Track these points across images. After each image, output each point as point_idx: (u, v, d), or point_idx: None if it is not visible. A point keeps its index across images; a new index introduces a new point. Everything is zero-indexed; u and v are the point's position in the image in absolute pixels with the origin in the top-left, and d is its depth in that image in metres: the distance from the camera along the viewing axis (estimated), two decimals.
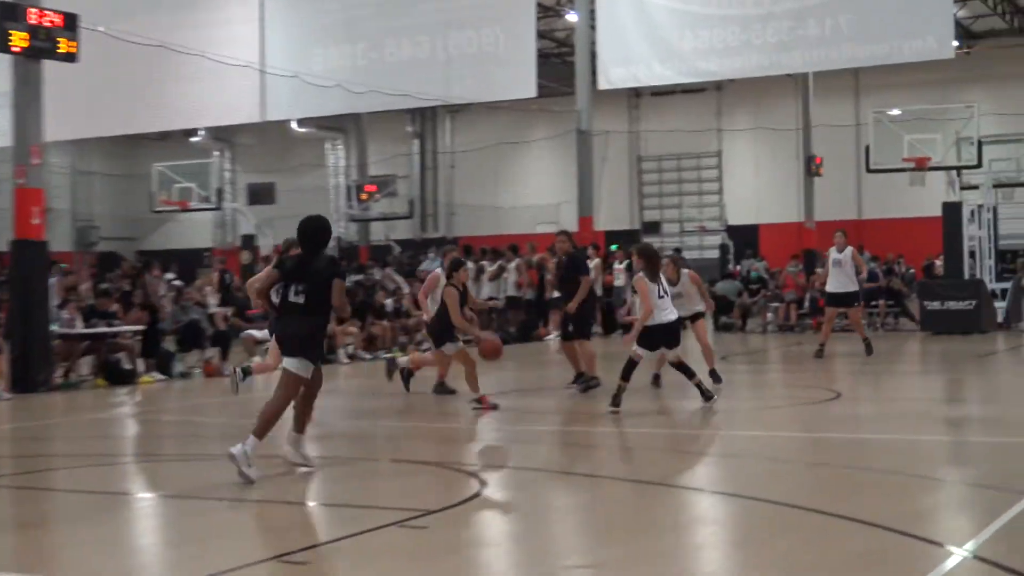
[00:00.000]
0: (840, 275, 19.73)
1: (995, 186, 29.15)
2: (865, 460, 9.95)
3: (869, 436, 11.30)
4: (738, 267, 38.23)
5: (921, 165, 25.08)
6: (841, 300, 19.81)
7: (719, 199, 50.31)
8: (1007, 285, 26.01)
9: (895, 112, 27.57)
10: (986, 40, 45.89)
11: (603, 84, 31.15)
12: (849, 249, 20.10)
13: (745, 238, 46.00)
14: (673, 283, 14.37)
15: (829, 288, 19.92)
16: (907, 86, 45.20)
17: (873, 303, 26.76)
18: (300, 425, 9.45)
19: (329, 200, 44.36)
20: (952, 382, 16.65)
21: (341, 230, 42.70)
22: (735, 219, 46.77)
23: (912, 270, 42.02)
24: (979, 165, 25.62)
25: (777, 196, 48.03)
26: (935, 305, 24.44)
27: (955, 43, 33.53)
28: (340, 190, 44.12)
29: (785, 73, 36.01)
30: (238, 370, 12.28)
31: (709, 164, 51.86)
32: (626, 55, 30.52)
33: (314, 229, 9.25)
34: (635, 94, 51.26)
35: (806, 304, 27.60)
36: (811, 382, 16.14)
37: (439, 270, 15.22)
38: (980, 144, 25.30)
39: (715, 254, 45.61)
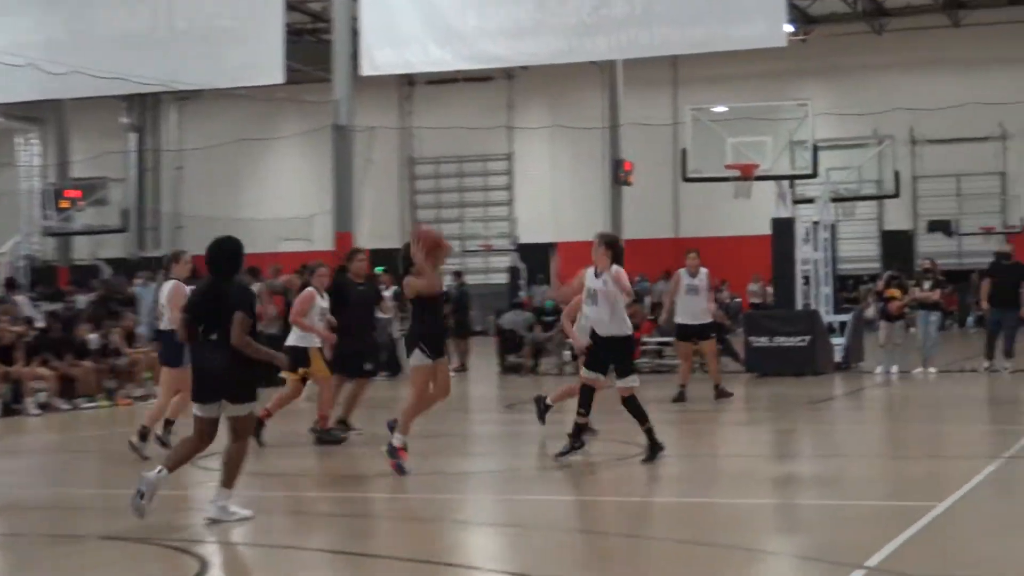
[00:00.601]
0: (694, 303, 20.30)
1: (833, 200, 30.36)
2: (674, 528, 10.19)
3: (680, 499, 11.59)
4: (529, 295, 38.77)
5: (747, 173, 25.93)
6: (695, 332, 20.32)
7: (509, 211, 51.04)
8: (847, 318, 27.14)
9: (719, 109, 28.54)
10: (825, 25, 48.04)
11: (367, 69, 31.16)
12: (704, 272, 20.77)
13: (540, 259, 46.64)
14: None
15: (680, 319, 20.51)
16: (733, 79, 46.93)
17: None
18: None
19: (20, 208, 42.88)
20: (780, 434, 17.26)
21: (35, 246, 41.39)
22: (528, 236, 47.48)
23: (738, 299, 43.50)
24: (814, 175, 26.70)
25: (579, 209, 49.01)
26: (762, 341, 25.28)
27: (789, 28, 35.08)
28: (34, 196, 42.71)
29: (589, 61, 36.96)
30: None
31: (497, 169, 52.59)
32: (396, 35, 30.64)
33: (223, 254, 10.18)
34: (407, 82, 51.64)
35: None
36: (617, 435, 16.45)
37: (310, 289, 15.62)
38: (816, 149, 26.38)
39: (503, 279, 46.11)
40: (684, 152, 27.04)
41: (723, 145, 26.11)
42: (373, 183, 48.36)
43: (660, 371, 27.64)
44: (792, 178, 27.66)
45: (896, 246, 48.27)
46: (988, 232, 45.25)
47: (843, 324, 26.99)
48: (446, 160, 52.39)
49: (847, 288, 47.00)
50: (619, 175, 40.02)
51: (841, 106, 45.64)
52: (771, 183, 27.62)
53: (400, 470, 12.50)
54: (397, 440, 12.65)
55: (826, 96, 45.06)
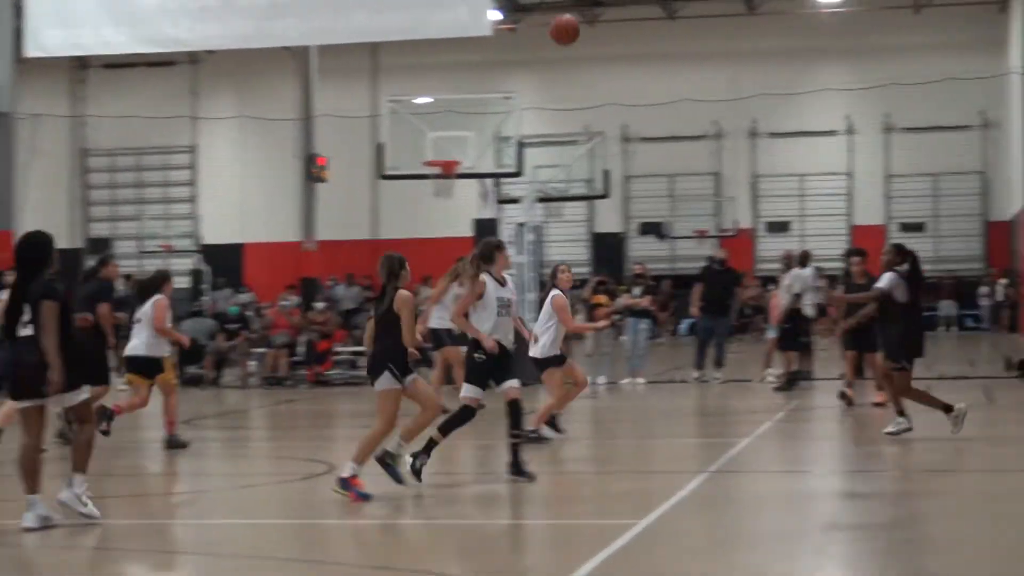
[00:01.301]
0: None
1: (540, 200, 30.88)
2: (358, 552, 10.24)
3: (370, 521, 11.63)
4: (213, 300, 38.30)
5: (448, 171, 26.15)
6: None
7: (192, 209, 50.30)
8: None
9: (420, 101, 28.72)
10: (535, 15, 48.82)
11: (33, 51, 30.30)
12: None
13: (227, 262, 46.20)
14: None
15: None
16: (436, 69, 47.37)
17: None
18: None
19: None
20: (479, 450, 17.46)
21: None
22: (213, 236, 46.91)
23: None
24: (520, 173, 27.11)
25: (269, 207, 48.71)
26: (462, 349, 25.54)
27: (495, 17, 35.57)
28: None
29: (280, 46, 36.67)
30: None
31: (180, 163, 51.77)
32: (67, 13, 29.88)
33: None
34: (80, 66, 50.31)
35: (300, 350, 28.11)
36: (304, 452, 16.41)
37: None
38: (522, 146, 26.80)
39: (185, 283, 45.32)
40: (381, 147, 27.09)
41: (423, 140, 26.25)
42: (40, 177, 46.85)
43: (354, 383, 27.69)
44: (496, 176, 28.00)
45: (607, 249, 49.48)
46: (702, 236, 46.77)
47: None
48: (123, 152, 51.29)
49: None
50: (313, 171, 39.80)
51: (550, 100, 46.58)
52: (475, 182, 27.93)
53: (364, 498, 12.12)
54: (348, 470, 12.27)
55: (534, 89, 45.92)
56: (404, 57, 47.28)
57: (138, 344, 16.61)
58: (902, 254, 16.38)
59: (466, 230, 29.14)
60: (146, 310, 16.75)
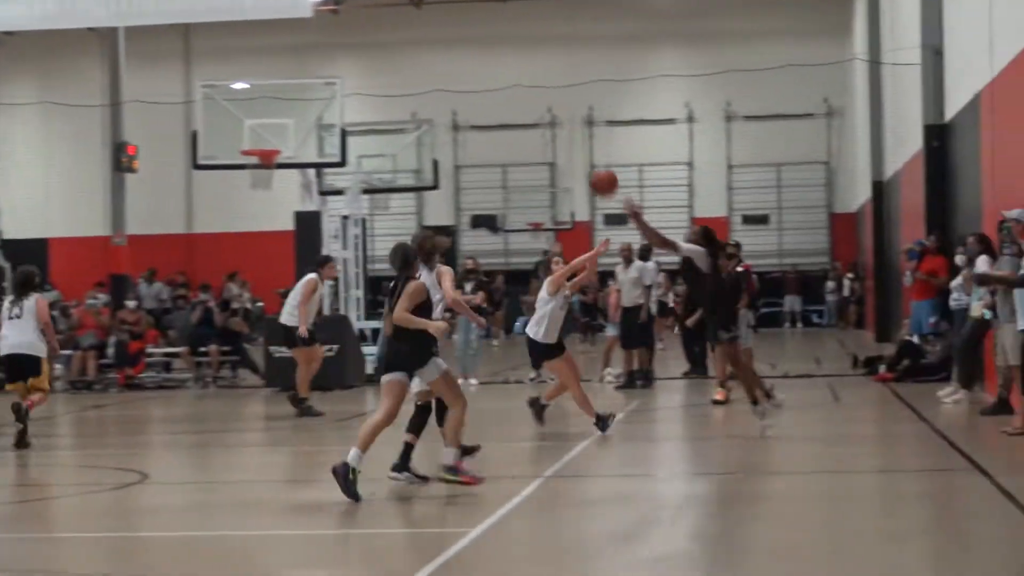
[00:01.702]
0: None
1: (366, 191, 30.79)
2: (174, 564, 10.15)
3: (181, 532, 11.51)
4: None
5: (267, 161, 25.93)
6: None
7: None
8: (380, 323, 27.53)
9: (237, 87, 28.42)
10: None
11: None
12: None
13: (30, 258, 45.29)
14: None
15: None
16: (253, 53, 46.99)
17: (202, 349, 27.37)
18: None
19: None
20: (302, 456, 17.39)
21: None
22: (14, 231, 45.90)
23: (261, 303, 43.52)
24: (344, 163, 27.00)
25: (76, 199, 47.97)
26: (285, 351, 25.37)
27: None
28: None
29: (86, 27, 36.18)
30: None
31: None
32: None
33: None
34: None
35: (110, 351, 27.72)
36: (114, 460, 16.20)
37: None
38: (345, 134, 26.69)
39: None
40: (195, 135, 26.77)
41: (240, 128, 25.98)
42: None
43: (167, 386, 27.41)
44: (319, 166, 27.86)
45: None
46: (537, 229, 47.01)
47: (376, 332, 27.41)
48: None
49: (382, 291, 47.85)
50: (122, 160, 39.28)
51: (375, 86, 46.45)
52: (296, 173, 27.76)
53: (477, 480, 12.84)
54: (450, 457, 12.94)
55: (359, 75, 45.78)
56: (219, 40, 46.87)
57: (25, 345, 17.36)
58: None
59: (287, 224, 28.97)
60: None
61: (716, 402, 20.63)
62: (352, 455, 12.53)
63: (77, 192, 48.12)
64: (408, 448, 13.66)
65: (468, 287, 26.13)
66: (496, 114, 49.18)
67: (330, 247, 27.09)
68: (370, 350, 26.78)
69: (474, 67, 48.81)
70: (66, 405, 24.86)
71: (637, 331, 24.22)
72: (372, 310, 30.27)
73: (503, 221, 48.45)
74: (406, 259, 13.14)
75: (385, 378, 12.97)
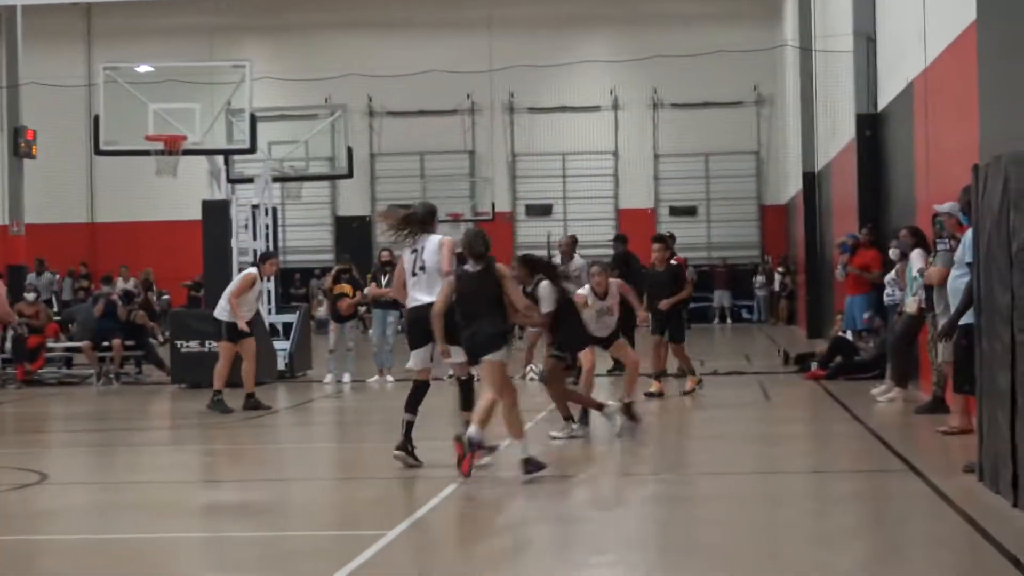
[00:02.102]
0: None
1: (277, 180, 30.68)
2: (80, 570, 10.09)
3: (84, 536, 11.44)
4: None
5: (172, 147, 25.77)
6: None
7: None
8: (293, 318, 27.49)
9: (141, 69, 28.22)
10: None
11: None
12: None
13: None
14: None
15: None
16: (157, 34, 46.60)
17: (105, 344, 27.16)
18: None
19: None
20: (209, 455, 17.32)
21: None
22: None
23: (167, 296, 43.28)
24: (253, 149, 26.86)
25: None
26: (192, 346, 25.28)
27: None
28: None
29: None
30: None
31: None
32: None
33: None
34: None
35: (7, 346, 27.47)
36: (10, 460, 16.08)
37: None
38: (255, 120, 26.55)
39: None
40: (97, 119, 26.57)
41: (144, 112, 25.81)
42: None
43: (68, 382, 27.22)
44: (227, 153, 27.74)
45: (351, 234, 49.42)
46: (456, 219, 46.97)
47: (288, 326, 27.34)
48: None
49: (294, 284, 47.78)
50: (20, 145, 38.92)
51: (287, 70, 46.29)
52: (203, 160, 27.61)
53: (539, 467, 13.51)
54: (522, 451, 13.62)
55: (269, 58, 45.57)
56: (121, 19, 46.53)
57: None
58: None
59: (194, 213, 28.77)
60: None
61: (650, 395, 20.92)
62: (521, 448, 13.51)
63: None
64: (409, 427, 14.44)
65: (384, 280, 26.08)
66: (413, 100, 49.16)
67: (239, 237, 26.96)
68: (281, 345, 26.70)
69: (390, 51, 48.74)
70: None
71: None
72: (284, 304, 30.18)
73: None
74: (487, 245, 13.94)
75: (491, 358, 13.58)
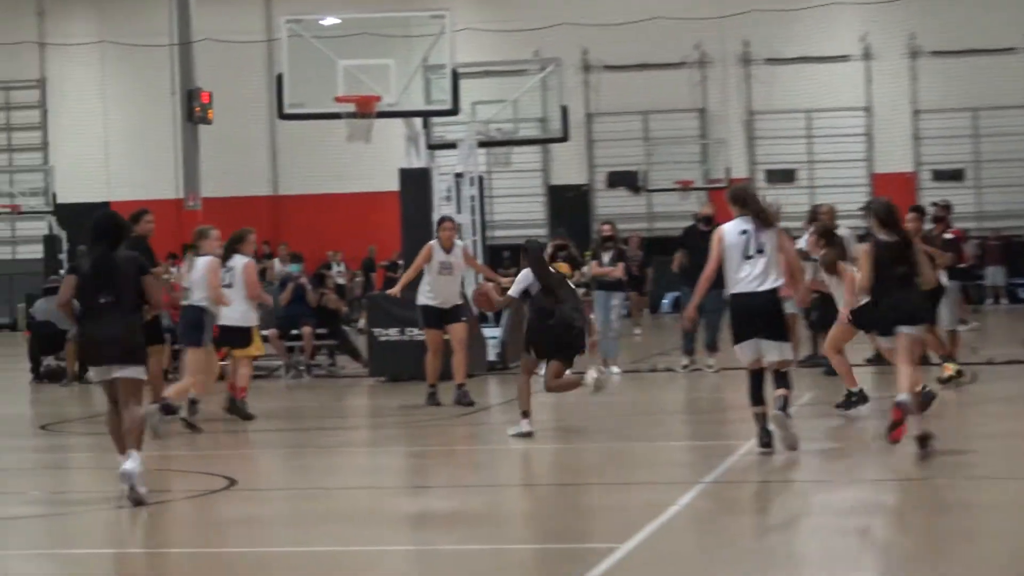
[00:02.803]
0: (447, 286, 21.54)
1: (483, 144, 30.75)
2: None
3: (280, 548, 11.57)
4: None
5: (365, 109, 25.92)
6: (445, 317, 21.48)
7: (43, 159, 49.91)
8: None
9: (327, 22, 28.52)
10: None
11: None
12: (460, 245, 21.98)
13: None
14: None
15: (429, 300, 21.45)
16: None
17: (294, 332, 27.45)
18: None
19: None
20: (414, 458, 17.46)
21: None
22: (70, 193, 46.57)
23: (359, 277, 43.79)
24: (456, 111, 26.96)
25: (141, 156, 48.44)
26: (392, 334, 25.41)
27: None
28: None
29: None
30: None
31: (25, 100, 51.44)
32: None
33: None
34: None
35: None
36: (195, 463, 16.35)
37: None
38: (457, 77, 26.64)
39: (36, 251, 45.37)
40: (280, 79, 26.82)
41: (333, 70, 26.03)
42: None
43: (254, 375, 27.56)
44: (426, 115, 27.88)
45: (567, 206, 49.43)
46: (685, 188, 46.79)
47: (498, 311, 27.42)
48: None
49: (503, 262, 47.96)
50: (194, 110, 39.56)
51: (492, 20, 46.46)
52: (399, 122, 27.77)
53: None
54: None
55: (472, 6, 45.77)
56: None
57: None
58: None
59: (390, 183, 28.94)
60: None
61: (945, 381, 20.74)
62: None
63: (143, 148, 48.58)
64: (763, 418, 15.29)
65: (606, 257, 26.04)
66: (635, 52, 48.98)
67: (441, 210, 27.08)
68: (491, 332, 26.77)
69: None
70: None
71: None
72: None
73: (644, 179, 48.23)
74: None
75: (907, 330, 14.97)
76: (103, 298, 13.69)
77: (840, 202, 43.39)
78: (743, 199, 15.50)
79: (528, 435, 17.32)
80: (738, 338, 15.36)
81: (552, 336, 17.61)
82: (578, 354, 18.07)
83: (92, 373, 14.49)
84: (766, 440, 15.16)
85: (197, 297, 19.23)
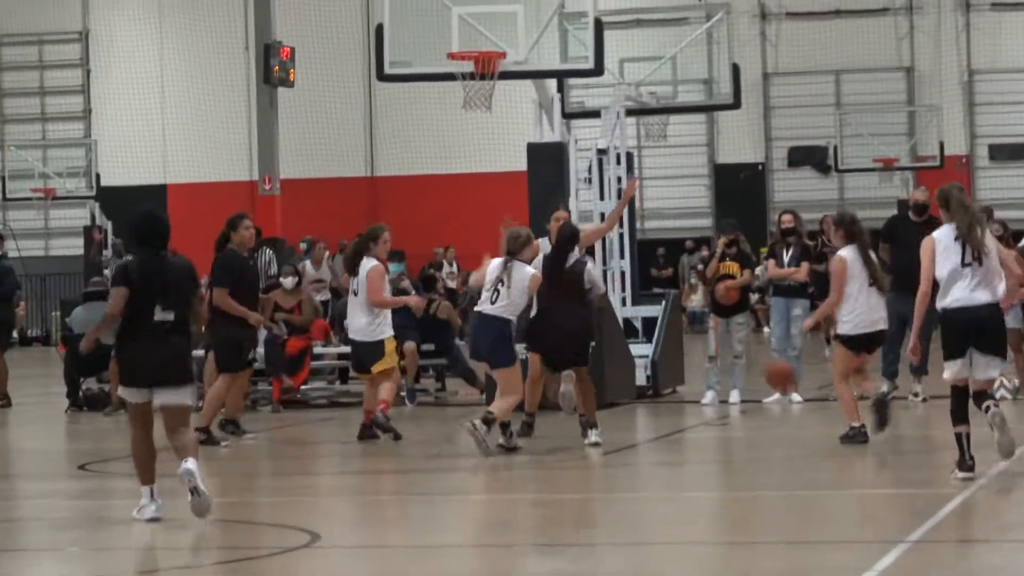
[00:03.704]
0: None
1: (632, 113, 30.70)
2: None
3: None
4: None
5: (486, 69, 26.01)
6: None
7: (85, 131, 50.36)
8: (656, 311, 27.50)
9: None
10: None
11: None
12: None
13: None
14: None
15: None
16: None
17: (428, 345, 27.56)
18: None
19: None
20: (540, 507, 17.45)
21: None
22: (118, 175, 47.16)
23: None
24: (600, 71, 26.97)
25: (206, 129, 48.79)
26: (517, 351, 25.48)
27: None
28: None
29: None
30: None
31: (64, 57, 51.95)
32: None
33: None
34: None
35: (259, 351, 28.11)
36: (268, 513, 16.44)
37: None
38: (601, 27, 26.65)
39: (75, 247, 45.73)
40: (380, 30, 26.91)
41: (446, 19, 26.14)
42: None
43: (342, 403, 27.71)
44: (563, 75, 27.92)
45: (737, 190, 49.32)
46: (888, 167, 46.56)
47: (650, 322, 27.36)
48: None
49: (656, 261, 47.90)
50: (272, 69, 39.79)
51: None
52: (528, 84, 27.83)
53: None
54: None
55: None
56: None
57: None
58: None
59: (517, 161, 29.02)
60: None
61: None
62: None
63: (208, 119, 48.91)
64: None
65: (786, 255, 25.96)
66: None
67: (580, 195, 27.07)
68: (641, 350, 26.70)
69: None
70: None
71: None
72: (643, 290, 30.17)
73: (836, 156, 48.01)
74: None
75: None
76: (154, 313, 14.99)
77: None
78: (946, 204, 16.61)
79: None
80: (952, 354, 16.44)
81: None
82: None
83: (125, 392, 15.61)
84: (970, 464, 16.27)
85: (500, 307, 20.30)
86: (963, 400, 16.60)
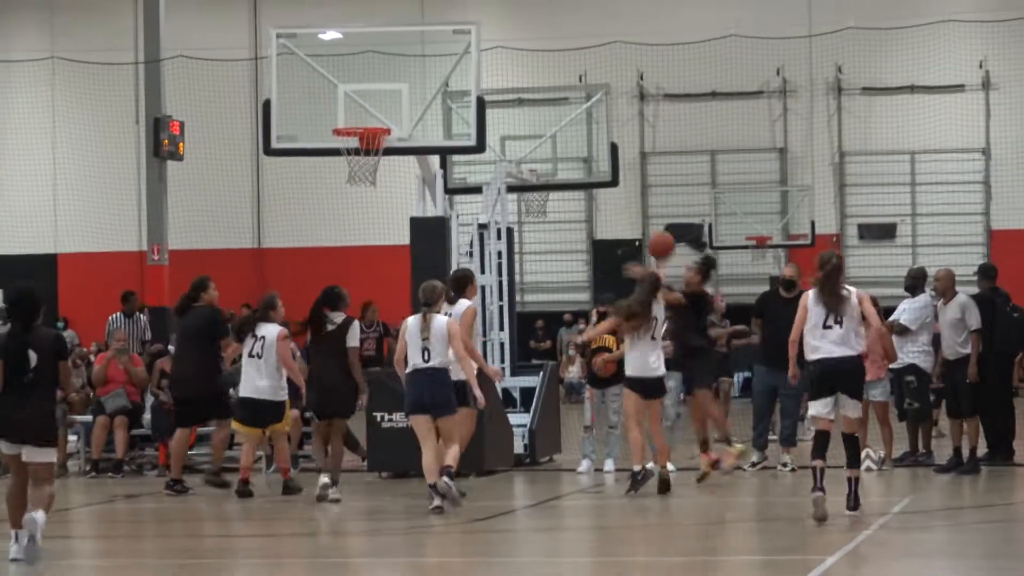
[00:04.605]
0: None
1: (514, 190, 30.75)
2: None
3: None
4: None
5: (372, 144, 26.02)
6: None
7: None
8: (534, 381, 27.46)
9: (327, 37, 28.65)
10: None
11: None
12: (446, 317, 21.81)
13: (41, 279, 46.25)
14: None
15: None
16: None
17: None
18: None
19: None
20: (423, 571, 17.45)
21: None
22: (10, 243, 46.79)
23: (369, 352, 43.70)
24: (482, 147, 27.00)
25: (97, 199, 48.56)
26: (396, 420, 25.33)
27: None
28: None
29: None
30: None
31: None
32: None
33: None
34: None
35: (146, 418, 27.96)
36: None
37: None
38: (483, 107, 26.72)
39: None
40: (268, 106, 26.88)
41: (332, 96, 26.14)
42: None
43: (233, 468, 27.59)
44: (445, 152, 27.98)
45: (615, 265, 49.38)
46: (761, 245, 46.79)
47: (528, 392, 27.38)
48: None
49: (536, 334, 47.92)
50: (162, 143, 39.71)
51: (527, 37, 46.62)
52: (412, 160, 27.88)
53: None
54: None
55: (502, 20, 45.96)
56: None
57: None
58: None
59: (398, 236, 29.05)
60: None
61: None
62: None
63: (99, 190, 48.71)
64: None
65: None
66: (701, 78, 49.16)
67: (461, 267, 27.12)
68: (519, 420, 26.72)
69: (669, 10, 48.77)
70: (85, 494, 25.15)
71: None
72: (523, 361, 30.19)
73: (712, 234, 48.22)
74: None
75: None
76: (24, 377, 16.43)
77: (951, 264, 43.73)
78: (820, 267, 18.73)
79: None
80: (819, 395, 18.83)
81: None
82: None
83: (1, 444, 16.86)
84: (820, 488, 18.50)
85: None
86: (823, 441, 18.73)
